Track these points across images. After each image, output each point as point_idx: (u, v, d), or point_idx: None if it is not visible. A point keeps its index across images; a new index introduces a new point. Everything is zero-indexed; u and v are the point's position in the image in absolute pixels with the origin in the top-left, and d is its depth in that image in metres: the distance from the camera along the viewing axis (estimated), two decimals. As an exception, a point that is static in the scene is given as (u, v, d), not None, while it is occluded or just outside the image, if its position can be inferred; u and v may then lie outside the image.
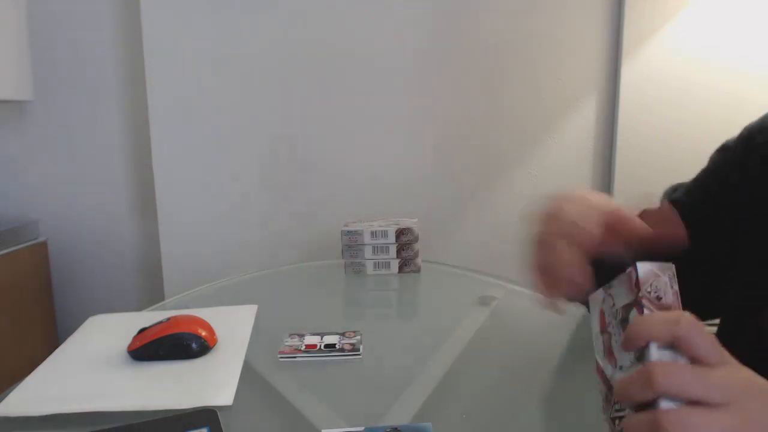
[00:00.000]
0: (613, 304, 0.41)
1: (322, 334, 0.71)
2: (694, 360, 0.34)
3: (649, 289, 0.37)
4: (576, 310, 0.68)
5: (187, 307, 0.83)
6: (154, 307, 0.86)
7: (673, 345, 0.34)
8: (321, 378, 0.62)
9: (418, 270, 1.00)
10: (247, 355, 0.66)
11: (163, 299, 1.13)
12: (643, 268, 0.38)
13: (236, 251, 1.56)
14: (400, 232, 0.99)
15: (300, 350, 0.67)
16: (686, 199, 0.66)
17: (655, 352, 0.34)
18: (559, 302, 0.46)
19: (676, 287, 0.38)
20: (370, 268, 1.00)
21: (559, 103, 1.54)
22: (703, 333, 0.34)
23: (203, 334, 0.66)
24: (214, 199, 1.56)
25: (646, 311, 0.37)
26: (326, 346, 0.68)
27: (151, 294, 1.66)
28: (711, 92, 1.47)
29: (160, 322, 0.67)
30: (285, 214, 1.57)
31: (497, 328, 0.77)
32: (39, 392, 0.59)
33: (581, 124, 1.55)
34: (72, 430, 0.53)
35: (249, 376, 0.62)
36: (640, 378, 0.33)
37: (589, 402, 0.45)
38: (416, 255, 1.00)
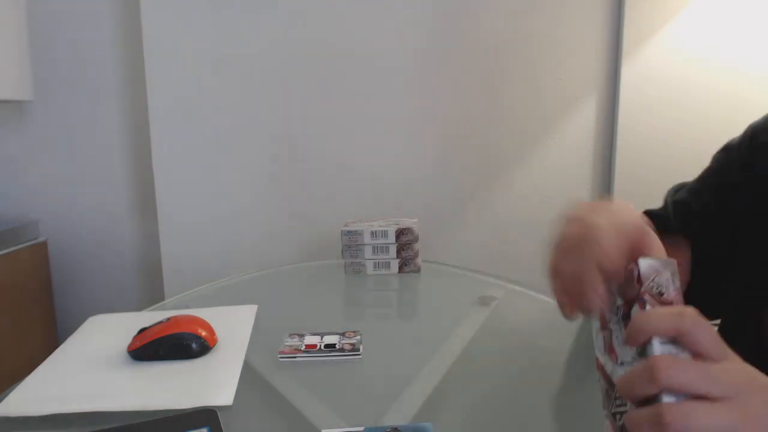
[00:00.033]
0: (615, 301, 0.41)
1: (322, 334, 0.71)
2: (697, 354, 0.34)
3: (651, 285, 0.37)
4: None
5: (187, 307, 0.83)
6: (154, 307, 0.86)
7: (676, 339, 0.34)
8: (321, 378, 0.62)
9: (418, 270, 1.00)
10: (247, 355, 0.66)
11: (163, 299, 1.13)
12: (645, 264, 0.38)
13: (236, 251, 1.56)
14: (400, 232, 0.99)
15: (300, 350, 0.67)
16: (690, 199, 0.66)
17: (657, 347, 0.34)
18: (573, 312, 0.45)
19: (677, 283, 0.38)
20: (370, 268, 1.00)
21: (559, 103, 1.54)
22: (707, 328, 0.34)
23: (203, 334, 0.66)
24: (214, 199, 1.56)
25: (648, 307, 0.37)
26: (326, 346, 0.68)
27: (151, 294, 1.66)
28: (711, 92, 1.48)
29: (160, 322, 0.67)
30: (285, 214, 1.57)
31: (497, 328, 0.77)
32: (39, 392, 0.59)
33: (581, 124, 1.55)
34: (72, 430, 0.53)
35: (249, 376, 0.62)
36: (644, 373, 0.33)
37: (589, 401, 0.45)
38: (416, 255, 1.00)
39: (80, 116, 1.60)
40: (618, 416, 0.39)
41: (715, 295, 0.62)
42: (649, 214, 0.70)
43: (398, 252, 1.00)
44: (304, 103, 1.52)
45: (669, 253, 0.44)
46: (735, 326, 0.60)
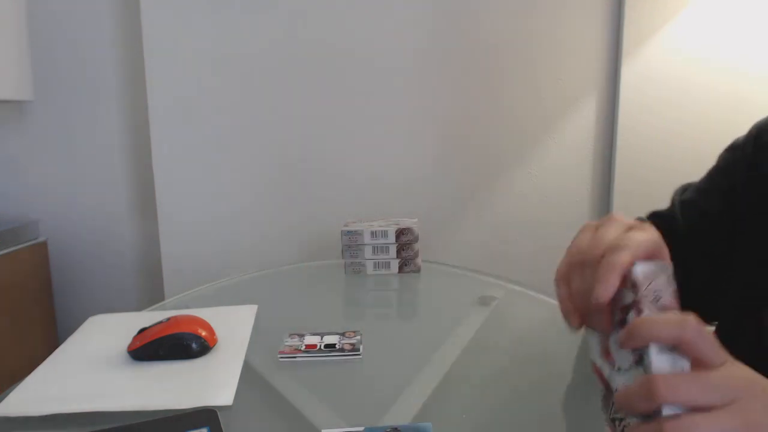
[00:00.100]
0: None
1: (322, 334, 0.71)
2: (697, 361, 0.34)
3: (647, 290, 0.37)
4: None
5: (187, 307, 0.83)
6: (154, 307, 0.85)
7: (675, 347, 0.34)
8: (321, 378, 0.62)
9: (418, 270, 1.00)
10: (247, 355, 0.66)
11: (163, 299, 1.13)
12: (641, 268, 0.38)
13: (236, 251, 1.56)
14: (400, 232, 0.99)
15: (300, 350, 0.67)
16: (697, 198, 0.66)
17: (654, 354, 0.34)
18: (577, 322, 0.45)
19: (674, 287, 0.38)
20: (370, 268, 1.00)
21: (559, 103, 1.54)
22: (707, 336, 0.34)
23: (203, 334, 0.66)
24: (214, 199, 1.56)
25: (645, 312, 0.37)
26: (326, 346, 0.68)
27: (151, 294, 1.66)
28: (711, 92, 1.48)
29: (160, 322, 0.67)
30: (285, 214, 1.57)
31: (497, 328, 0.77)
32: (39, 392, 0.59)
33: (581, 124, 1.55)
34: (72, 430, 0.53)
35: (249, 376, 0.62)
36: (642, 389, 0.33)
37: (588, 401, 0.45)
38: (416, 255, 1.00)
39: (80, 116, 1.60)
40: (617, 422, 0.39)
41: (715, 295, 0.62)
42: (656, 214, 0.70)
43: (398, 252, 1.00)
44: (304, 103, 1.52)
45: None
46: (734, 326, 0.60)
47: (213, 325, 0.69)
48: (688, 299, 0.41)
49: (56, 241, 1.61)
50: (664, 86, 1.49)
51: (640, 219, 0.69)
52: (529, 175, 1.58)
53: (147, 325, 0.67)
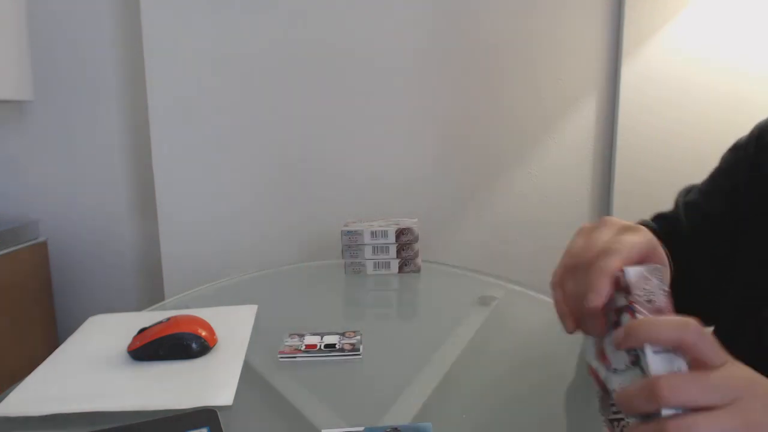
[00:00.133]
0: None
1: (322, 334, 0.71)
2: (697, 362, 0.34)
3: (639, 293, 0.37)
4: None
5: (187, 307, 0.83)
6: (154, 307, 0.85)
7: (675, 348, 0.34)
8: (321, 378, 0.62)
9: (418, 270, 1.00)
10: (247, 355, 0.66)
11: (163, 299, 1.13)
12: (632, 272, 0.38)
13: (236, 251, 1.56)
14: (400, 232, 0.99)
15: (300, 350, 0.67)
16: (701, 200, 0.67)
17: (651, 355, 0.34)
18: (572, 326, 0.45)
19: (666, 288, 0.38)
20: (370, 268, 1.00)
21: (559, 103, 1.54)
22: (707, 337, 0.34)
23: (203, 334, 0.66)
24: (214, 199, 1.56)
25: (638, 315, 0.37)
26: (326, 346, 0.68)
27: (151, 294, 1.66)
28: (711, 92, 1.48)
29: (160, 322, 0.67)
30: (285, 214, 1.57)
31: (497, 328, 0.77)
32: (39, 392, 0.59)
33: (581, 124, 1.55)
34: (72, 430, 0.53)
35: (249, 376, 0.62)
36: (644, 391, 0.33)
37: (589, 402, 0.45)
38: (416, 255, 1.00)
39: (80, 116, 1.60)
40: (615, 423, 0.39)
41: (717, 296, 0.62)
42: (660, 216, 0.70)
43: (398, 252, 1.00)
44: (304, 103, 1.52)
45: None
46: (735, 326, 0.60)
47: (213, 325, 0.69)
48: (691, 300, 0.41)
49: (56, 241, 1.61)
50: (664, 86, 1.49)
51: (644, 221, 0.69)
52: (529, 175, 1.58)
53: (147, 325, 0.67)
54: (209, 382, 0.59)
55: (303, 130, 1.54)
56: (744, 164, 0.62)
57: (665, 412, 0.33)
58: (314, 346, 0.68)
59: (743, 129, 0.65)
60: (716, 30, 1.45)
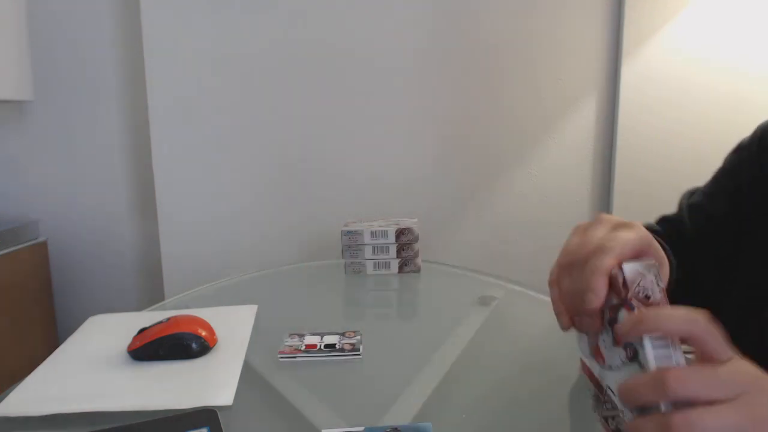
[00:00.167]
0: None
1: (322, 334, 0.71)
2: (704, 355, 0.34)
3: (637, 289, 0.37)
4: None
5: (187, 307, 0.83)
6: (154, 307, 0.85)
7: (683, 340, 0.34)
8: (321, 378, 0.62)
9: (418, 270, 1.00)
10: (247, 355, 0.66)
11: (163, 299, 1.13)
12: (629, 268, 0.38)
13: (236, 251, 1.56)
14: (400, 232, 0.99)
15: (300, 350, 0.67)
16: (705, 202, 0.67)
17: (651, 349, 0.34)
18: (568, 324, 0.45)
19: (662, 284, 0.38)
20: (370, 268, 1.00)
21: (559, 103, 1.54)
22: (715, 331, 0.35)
23: (203, 334, 0.66)
24: (214, 199, 1.56)
25: (636, 310, 0.37)
26: (326, 346, 0.68)
27: (151, 294, 1.66)
28: (711, 92, 1.48)
29: (160, 322, 0.67)
30: (285, 214, 1.57)
31: (497, 328, 0.77)
32: (39, 392, 0.59)
33: (581, 124, 1.55)
34: (72, 430, 0.53)
35: (249, 376, 0.62)
36: (651, 382, 0.33)
37: (588, 402, 0.45)
38: (416, 255, 1.00)
39: (80, 116, 1.60)
40: (609, 420, 0.39)
41: (720, 296, 0.62)
42: (665, 219, 0.70)
43: (398, 252, 1.00)
44: (304, 103, 1.52)
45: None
46: (738, 327, 0.60)
47: (213, 325, 0.69)
48: (695, 301, 0.41)
49: (56, 241, 1.61)
50: (664, 86, 1.49)
51: (648, 224, 0.69)
52: (529, 175, 1.58)
53: (147, 325, 0.67)
54: (209, 382, 0.59)
55: (303, 130, 1.54)
56: (747, 165, 0.62)
57: (664, 406, 0.33)
58: (314, 346, 0.68)
59: (743, 129, 0.65)
60: (716, 30, 1.45)
